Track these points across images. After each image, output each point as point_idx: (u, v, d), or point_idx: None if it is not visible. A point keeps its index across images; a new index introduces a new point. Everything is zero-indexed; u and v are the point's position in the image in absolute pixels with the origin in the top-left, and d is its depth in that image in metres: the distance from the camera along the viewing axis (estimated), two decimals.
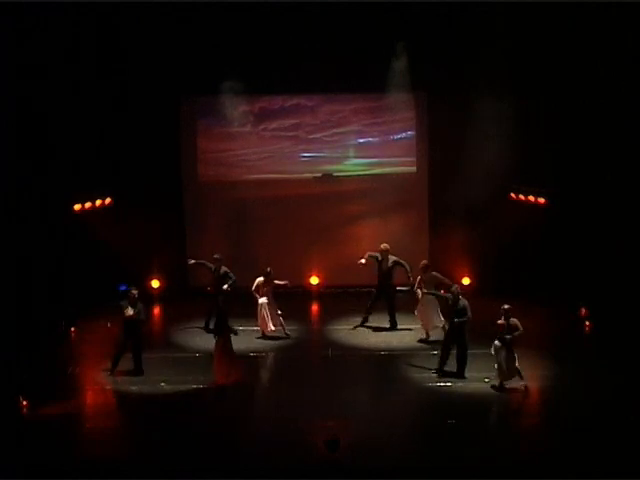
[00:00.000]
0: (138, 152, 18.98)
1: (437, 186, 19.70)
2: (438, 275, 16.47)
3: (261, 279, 16.85)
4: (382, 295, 17.31)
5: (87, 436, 12.73)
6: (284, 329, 16.94)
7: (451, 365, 14.68)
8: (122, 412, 13.72)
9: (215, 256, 17.28)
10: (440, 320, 16.34)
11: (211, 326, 16.69)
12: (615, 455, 11.60)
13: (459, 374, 14.44)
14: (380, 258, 17.21)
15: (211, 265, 17.25)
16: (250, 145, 20.04)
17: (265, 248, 19.05)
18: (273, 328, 16.78)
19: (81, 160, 17.99)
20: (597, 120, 17.34)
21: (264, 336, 16.86)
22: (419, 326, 16.82)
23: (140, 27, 18.04)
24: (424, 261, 16.84)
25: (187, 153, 20.07)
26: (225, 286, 16.88)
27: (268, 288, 16.87)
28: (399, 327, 17.20)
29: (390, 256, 17.16)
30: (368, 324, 17.45)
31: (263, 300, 16.80)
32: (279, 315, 16.85)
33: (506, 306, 14.12)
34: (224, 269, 17.13)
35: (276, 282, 16.86)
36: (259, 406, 13.87)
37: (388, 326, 17.21)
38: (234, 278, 17.05)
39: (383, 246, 17.25)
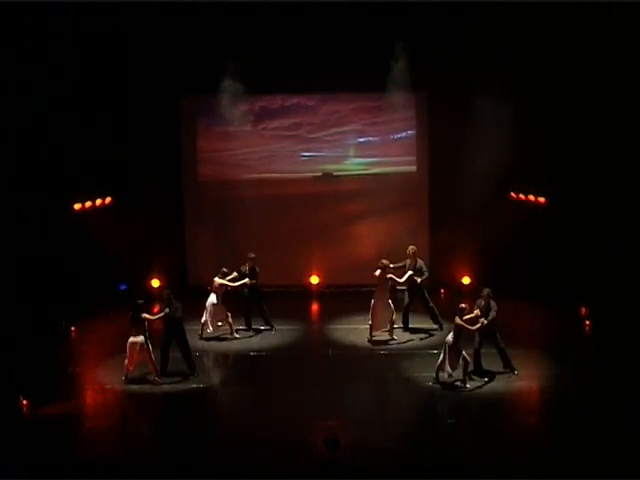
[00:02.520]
0: (138, 151, 18.96)
1: (437, 185, 19.65)
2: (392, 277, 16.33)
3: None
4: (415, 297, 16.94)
5: (87, 436, 12.70)
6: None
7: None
8: (122, 412, 13.68)
9: (250, 255, 16.96)
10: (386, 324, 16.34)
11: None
12: (615, 455, 11.55)
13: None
14: (409, 263, 16.70)
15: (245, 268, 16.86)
16: (250, 144, 19.99)
17: (265, 247, 18.95)
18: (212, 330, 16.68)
19: (81, 159, 17.94)
20: (597, 119, 17.28)
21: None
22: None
23: (140, 26, 17.98)
24: (383, 260, 16.46)
25: (187, 153, 20.03)
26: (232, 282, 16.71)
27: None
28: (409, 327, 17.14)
29: (418, 260, 16.71)
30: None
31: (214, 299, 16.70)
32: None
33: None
34: (257, 268, 16.89)
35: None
36: (259, 406, 13.79)
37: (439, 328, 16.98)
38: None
39: (411, 249, 16.76)
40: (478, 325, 13.96)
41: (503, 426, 12.87)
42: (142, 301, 14.68)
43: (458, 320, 13.84)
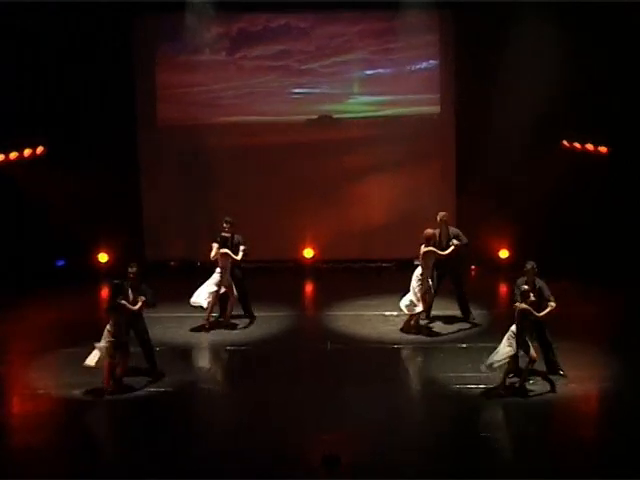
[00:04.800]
0: (79, 88, 18.93)
1: (467, 131, 19.68)
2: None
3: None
4: (445, 278, 16.76)
5: (13, 455, 12.54)
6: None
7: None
8: (59, 424, 13.54)
9: (229, 220, 16.46)
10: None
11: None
12: None
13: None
14: (438, 232, 16.39)
15: (226, 234, 16.46)
16: (225, 78, 20.01)
17: (246, 211, 18.89)
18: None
19: (4, 97, 17.76)
20: None
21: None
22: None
23: None
24: (428, 230, 16.15)
25: (143, 89, 20.03)
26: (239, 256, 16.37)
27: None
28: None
29: (450, 228, 16.47)
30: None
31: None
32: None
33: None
34: (238, 237, 16.53)
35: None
36: (238, 415, 13.72)
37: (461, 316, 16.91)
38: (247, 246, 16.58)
39: (441, 215, 16.43)
40: (548, 310, 13.84)
41: (551, 441, 12.77)
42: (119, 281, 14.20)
43: (523, 305, 13.64)
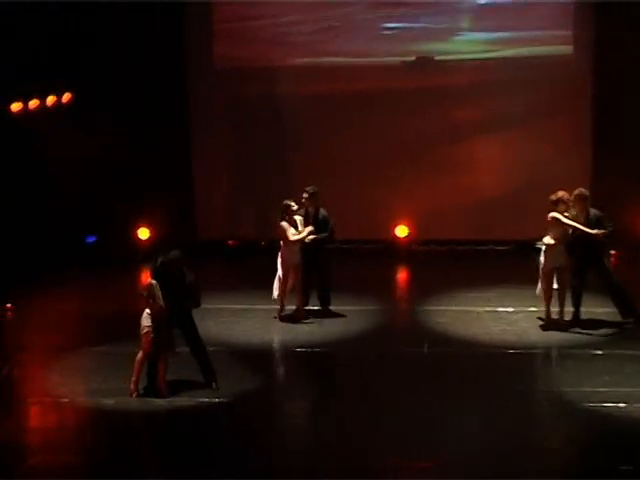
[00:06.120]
0: (117, 22, 19.12)
1: (607, 79, 19.58)
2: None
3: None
4: (589, 268, 16.64)
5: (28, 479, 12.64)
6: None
7: None
8: (87, 440, 13.61)
9: (308, 190, 16.83)
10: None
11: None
12: None
13: None
14: (573, 212, 16.22)
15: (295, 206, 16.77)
16: (298, 9, 20.18)
17: (326, 180, 18.82)
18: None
19: (24, 32, 17.96)
20: None
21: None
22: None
23: None
24: (558, 193, 15.96)
25: (195, 23, 20.19)
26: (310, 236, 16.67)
27: None
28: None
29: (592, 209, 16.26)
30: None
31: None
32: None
33: None
34: (323, 212, 16.91)
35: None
36: (310, 433, 13.84)
37: (631, 320, 16.71)
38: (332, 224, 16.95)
39: (578, 192, 16.14)
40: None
41: None
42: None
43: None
